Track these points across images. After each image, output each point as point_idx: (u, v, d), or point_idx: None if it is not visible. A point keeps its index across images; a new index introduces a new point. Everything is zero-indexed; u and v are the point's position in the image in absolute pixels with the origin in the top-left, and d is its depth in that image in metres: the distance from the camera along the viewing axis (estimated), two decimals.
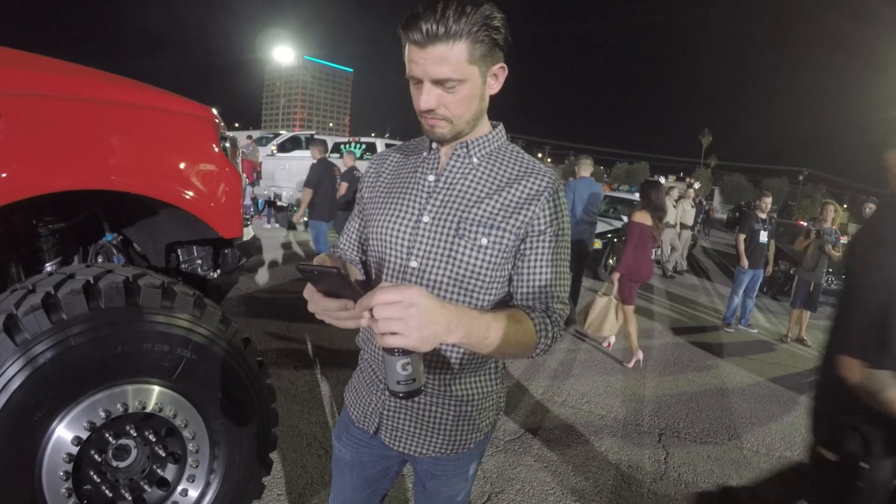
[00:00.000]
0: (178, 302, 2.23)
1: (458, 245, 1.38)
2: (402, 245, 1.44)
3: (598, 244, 11.16)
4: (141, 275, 2.22)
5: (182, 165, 2.56)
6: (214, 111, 2.73)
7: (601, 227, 11.76)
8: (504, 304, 1.48)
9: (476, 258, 1.38)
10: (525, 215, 1.38)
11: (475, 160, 1.45)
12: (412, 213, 1.45)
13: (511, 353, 1.31)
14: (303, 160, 14.02)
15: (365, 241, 1.63)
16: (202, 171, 2.59)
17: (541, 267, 1.40)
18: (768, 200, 8.78)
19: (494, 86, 1.40)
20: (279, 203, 14.28)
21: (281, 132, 21.03)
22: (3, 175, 2.04)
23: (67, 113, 2.25)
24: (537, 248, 1.40)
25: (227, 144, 2.74)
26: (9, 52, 2.42)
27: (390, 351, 1.09)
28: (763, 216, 8.65)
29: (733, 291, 8.88)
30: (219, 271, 2.91)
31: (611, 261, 11.64)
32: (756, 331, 9.00)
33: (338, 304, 1.18)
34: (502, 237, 1.37)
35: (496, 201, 1.39)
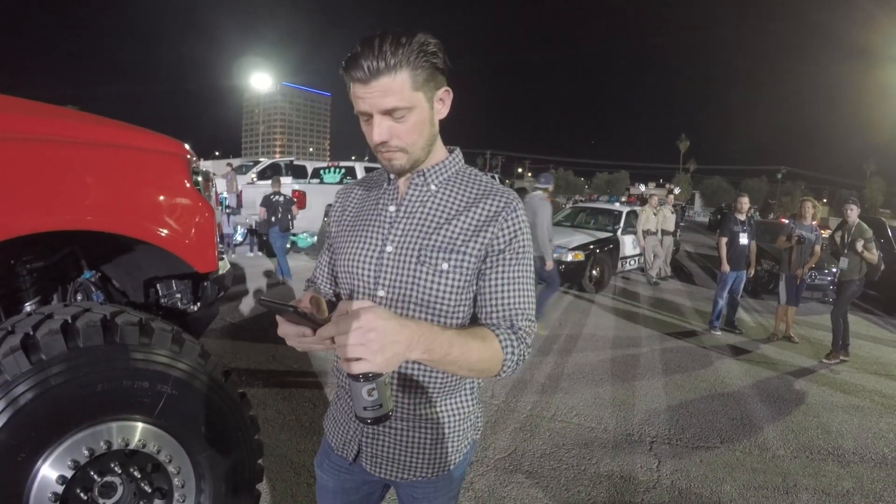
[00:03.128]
0: (157, 338, 2.23)
1: (421, 272, 1.41)
2: (368, 275, 1.48)
3: (580, 256, 11.19)
4: (118, 312, 2.21)
5: (154, 203, 2.56)
6: (186, 146, 2.74)
7: (583, 238, 11.81)
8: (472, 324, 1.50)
9: (439, 283, 1.41)
10: (484, 237, 1.41)
11: (433, 187, 1.49)
12: (376, 244, 1.49)
13: (477, 369, 1.33)
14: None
15: (335, 273, 1.67)
16: (174, 207, 2.60)
17: (503, 285, 1.43)
18: (745, 201, 8.86)
19: (442, 110, 1.44)
20: (261, 231, 14.23)
21: (261, 159, 21.03)
22: None
23: (39, 155, 2.25)
24: (498, 267, 1.43)
25: (200, 178, 2.75)
26: None
27: (356, 377, 1.11)
28: (742, 217, 8.73)
29: (717, 294, 8.92)
30: (199, 304, 2.91)
31: (594, 272, 11.65)
32: (742, 332, 9.04)
33: (295, 330, 1.23)
34: (462, 261, 1.41)
35: (455, 226, 1.43)
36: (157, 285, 2.94)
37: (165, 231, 2.54)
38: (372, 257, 1.48)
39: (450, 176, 1.52)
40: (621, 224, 13.42)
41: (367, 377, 1.10)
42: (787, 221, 11.11)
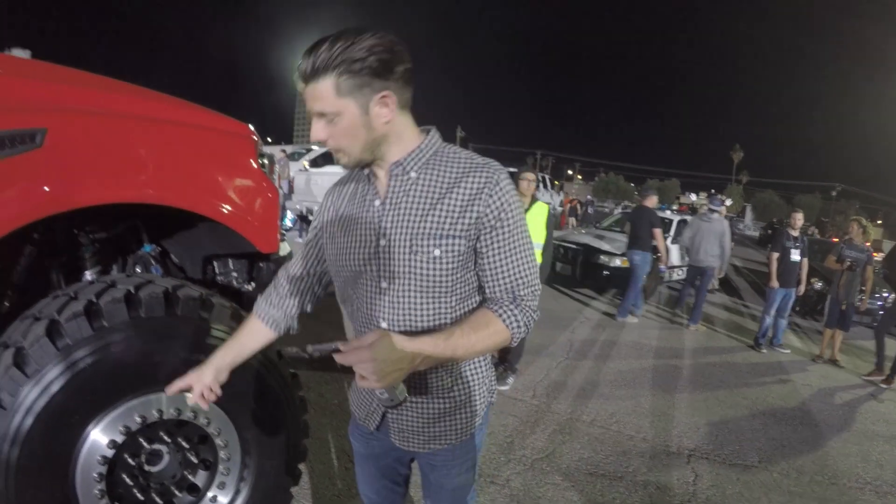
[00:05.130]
0: (216, 313, 2.29)
1: (415, 260, 1.47)
2: (370, 269, 1.54)
3: (627, 262, 11.05)
4: (180, 286, 2.27)
5: (222, 181, 2.62)
6: (251, 128, 2.79)
7: None
8: (475, 295, 1.59)
9: (433, 268, 1.47)
10: (470, 216, 1.45)
11: (413, 174, 1.52)
12: (370, 240, 1.53)
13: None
14: (335, 175, 14.12)
15: (323, 265, 1.76)
16: (241, 186, 2.65)
17: (500, 259, 1.49)
18: (799, 217, 8.68)
19: (385, 113, 1.44)
20: (311, 217, 14.35)
21: (313, 147, 21.22)
22: (48, 188, 2.11)
23: (113, 128, 2.32)
24: (493, 243, 1.48)
25: (265, 161, 2.80)
26: (57, 68, 2.51)
27: None
28: (795, 234, 8.55)
29: (765, 311, 8.77)
30: (253, 284, 2.96)
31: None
32: (788, 351, 8.86)
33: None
34: (454, 244, 1.46)
35: (441, 210, 1.46)
36: (215, 263, 2.99)
37: (231, 209, 2.58)
38: (369, 253, 1.53)
39: (428, 159, 1.53)
40: (671, 233, 13.21)
41: None
42: (838, 241, 10.81)
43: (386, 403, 1.52)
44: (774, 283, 8.49)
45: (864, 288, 8.27)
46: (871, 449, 5.44)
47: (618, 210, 21.78)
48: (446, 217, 1.45)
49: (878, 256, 9.38)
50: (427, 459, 1.73)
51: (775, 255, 8.52)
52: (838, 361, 8.48)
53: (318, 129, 1.43)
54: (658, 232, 9.33)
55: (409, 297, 1.51)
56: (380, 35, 1.36)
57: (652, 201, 9.94)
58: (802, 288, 8.86)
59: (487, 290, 1.54)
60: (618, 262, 11.00)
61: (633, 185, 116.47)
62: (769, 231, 36.84)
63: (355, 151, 1.46)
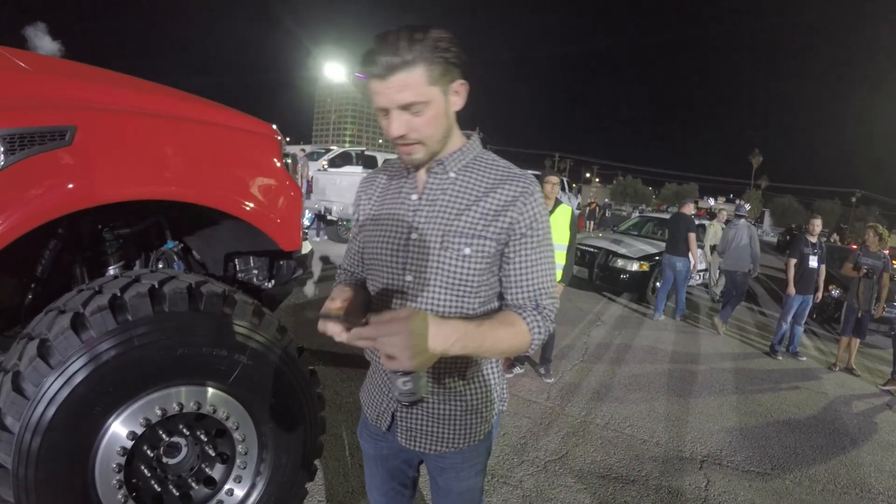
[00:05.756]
0: (238, 309, 2.33)
1: (445, 257, 1.50)
2: (396, 261, 1.57)
3: (645, 266, 11.04)
4: (203, 282, 2.31)
5: (246, 179, 2.67)
6: (275, 127, 2.83)
7: (649, 248, 11.61)
8: (495, 300, 1.62)
9: (462, 267, 1.50)
10: (503, 221, 1.49)
11: (452, 174, 1.56)
12: (402, 232, 1.57)
13: (507, 352, 1.52)
14: (353, 176, 14.21)
15: (365, 259, 1.75)
16: (265, 185, 2.70)
17: (527, 268, 1.53)
18: (818, 223, 8.58)
19: (458, 102, 1.50)
20: (329, 217, 14.44)
21: (332, 147, 21.28)
22: (77, 184, 2.15)
23: (139, 127, 2.37)
24: (521, 251, 1.52)
25: (289, 160, 2.84)
26: (86, 67, 2.56)
27: (394, 370, 1.26)
28: (813, 240, 8.48)
29: (782, 318, 8.68)
30: (273, 282, 3.01)
31: (658, 283, 11.47)
32: (804, 359, 8.77)
33: (335, 329, 1.40)
34: (484, 245, 1.49)
35: (475, 211, 1.50)
36: (236, 260, 3.04)
37: (256, 207, 2.63)
38: (398, 244, 1.57)
39: (468, 162, 1.58)
40: None
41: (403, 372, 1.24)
42: (856, 248, 10.68)
43: (406, 397, 1.42)
44: (791, 290, 8.42)
45: (880, 295, 8.18)
46: (885, 459, 5.39)
47: (635, 214, 21.71)
48: (480, 218, 1.49)
49: None
50: (436, 462, 1.74)
51: (793, 262, 8.43)
52: (854, 370, 8.39)
53: (400, 123, 1.41)
54: (692, 236, 9.68)
55: (433, 292, 1.54)
56: (441, 29, 1.40)
57: (688, 208, 10.34)
58: (820, 295, 8.77)
59: (509, 296, 1.57)
60: (635, 267, 10.98)
61: (650, 188, 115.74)
62: (787, 237, 36.40)
63: (433, 142, 1.48)
